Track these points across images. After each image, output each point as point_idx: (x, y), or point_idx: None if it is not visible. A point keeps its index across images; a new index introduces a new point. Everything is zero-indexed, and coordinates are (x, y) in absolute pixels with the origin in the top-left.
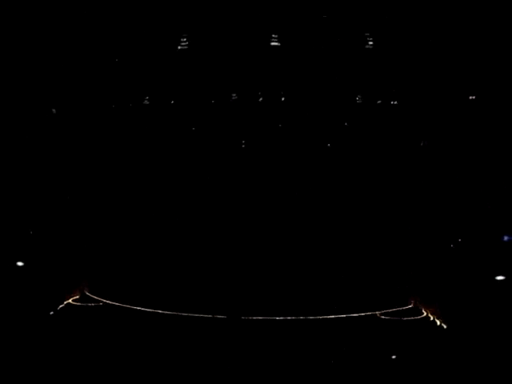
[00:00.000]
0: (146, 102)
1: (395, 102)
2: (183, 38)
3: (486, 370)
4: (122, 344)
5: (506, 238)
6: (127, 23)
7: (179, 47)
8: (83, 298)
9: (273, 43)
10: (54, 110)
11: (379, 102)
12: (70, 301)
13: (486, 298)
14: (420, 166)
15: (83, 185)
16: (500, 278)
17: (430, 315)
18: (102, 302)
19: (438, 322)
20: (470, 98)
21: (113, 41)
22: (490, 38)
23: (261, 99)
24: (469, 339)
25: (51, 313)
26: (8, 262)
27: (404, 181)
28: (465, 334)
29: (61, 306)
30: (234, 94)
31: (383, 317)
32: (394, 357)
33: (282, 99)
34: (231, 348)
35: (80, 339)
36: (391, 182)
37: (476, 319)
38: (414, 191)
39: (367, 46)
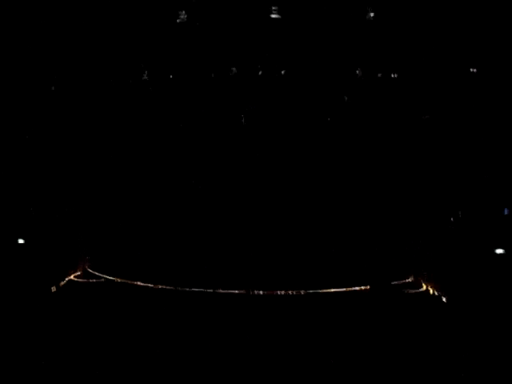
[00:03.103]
0: (145, 77)
1: (396, 75)
2: (182, 11)
3: (486, 342)
4: (123, 320)
5: (506, 211)
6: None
7: (178, 20)
8: (85, 275)
9: (273, 15)
10: (52, 88)
11: (380, 75)
12: (72, 277)
13: (485, 271)
14: (421, 139)
15: (82, 162)
16: (500, 251)
17: (429, 289)
18: (103, 277)
19: (438, 296)
20: (471, 70)
21: (109, 16)
22: (492, 8)
23: (260, 73)
24: (469, 312)
25: (53, 289)
26: (9, 240)
27: (405, 154)
28: (465, 307)
29: (62, 283)
30: (234, 68)
31: (382, 290)
32: (394, 330)
33: (282, 73)
34: (233, 322)
35: (82, 315)
36: (392, 155)
37: (476, 292)
38: (415, 164)
39: (367, 18)
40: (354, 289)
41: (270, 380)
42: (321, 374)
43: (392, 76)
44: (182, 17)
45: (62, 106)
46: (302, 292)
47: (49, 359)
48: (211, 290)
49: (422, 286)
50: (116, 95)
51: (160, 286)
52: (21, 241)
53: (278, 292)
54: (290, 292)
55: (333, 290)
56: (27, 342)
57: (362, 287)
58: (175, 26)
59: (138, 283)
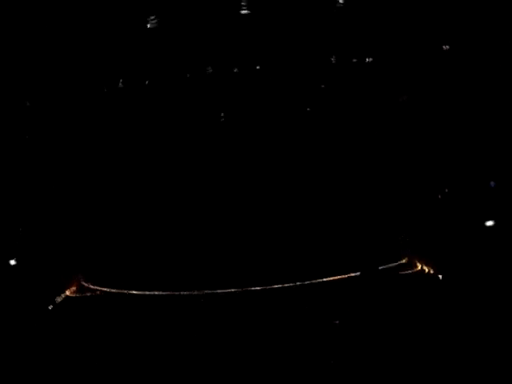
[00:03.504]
0: (121, 85)
1: (370, 59)
2: (151, 16)
3: (483, 320)
4: (122, 330)
5: (492, 185)
6: (94, 6)
7: (148, 25)
8: (80, 289)
9: (242, 11)
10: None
11: (354, 60)
12: (68, 293)
13: (477, 245)
14: (402, 120)
15: (71, 172)
16: (489, 223)
17: (424, 268)
18: (98, 290)
19: (434, 274)
20: (444, 48)
21: (83, 23)
22: None
23: (236, 70)
24: (465, 288)
25: (50, 307)
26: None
27: (387, 138)
28: (460, 282)
29: (59, 300)
30: (209, 67)
31: (378, 274)
32: (391, 312)
33: (257, 67)
34: (232, 321)
35: (81, 329)
36: (375, 140)
37: (470, 267)
38: (398, 146)
39: (337, 5)
40: (348, 275)
41: (275, 375)
42: (322, 363)
43: (366, 60)
44: (152, 21)
45: (42, 120)
46: (298, 283)
47: (52, 376)
48: (208, 291)
49: (416, 266)
50: (93, 104)
51: (156, 293)
52: (12, 262)
53: (274, 286)
54: (285, 285)
55: (327, 279)
56: (30, 360)
57: (357, 273)
58: (146, 31)
59: (133, 292)
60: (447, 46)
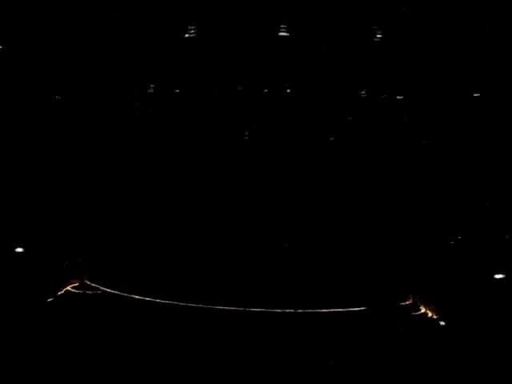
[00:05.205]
0: (151, 90)
1: (401, 97)
2: (191, 25)
3: (484, 367)
4: (118, 333)
5: (508, 237)
6: (133, 11)
7: (187, 35)
8: (82, 286)
9: (281, 33)
10: (58, 97)
11: (384, 96)
12: (69, 288)
13: (484, 296)
14: (421, 163)
15: (81, 170)
16: (499, 276)
17: (428, 312)
18: (100, 289)
19: (436, 319)
20: (475, 95)
21: (118, 28)
22: (493, 36)
23: (266, 90)
24: (467, 337)
25: (50, 299)
26: (7, 248)
27: (405, 177)
28: (463, 331)
29: (59, 293)
30: (240, 85)
31: (380, 312)
32: (390, 352)
33: (288, 91)
34: (230, 339)
35: (76, 326)
36: (392, 177)
37: (474, 317)
38: (415, 188)
39: (375, 39)
40: (351, 309)
41: None
42: None
43: (397, 98)
44: (191, 32)
45: (63, 120)
46: (300, 311)
47: (42, 368)
48: (209, 306)
49: (420, 309)
50: (122, 106)
51: (157, 300)
52: (19, 249)
53: (275, 310)
54: (286, 310)
55: (330, 310)
56: (21, 350)
57: (360, 308)
58: (184, 40)
59: (135, 296)
60: (478, 94)
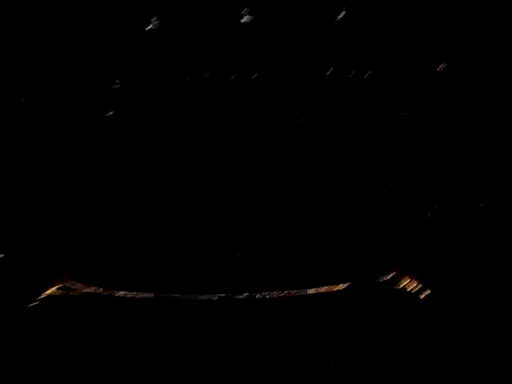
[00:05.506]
0: (117, 85)
1: (369, 73)
2: (153, 17)
3: (472, 334)
4: (104, 330)
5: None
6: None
7: (148, 27)
8: (65, 287)
9: (243, 20)
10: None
11: (351, 74)
12: (52, 290)
13: (466, 261)
14: (400, 135)
15: (64, 169)
16: (477, 238)
17: (413, 281)
18: (84, 289)
19: (422, 288)
20: (440, 66)
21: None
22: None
23: (233, 77)
24: (454, 303)
25: (32, 304)
26: None
27: (382, 151)
28: (448, 298)
29: (41, 297)
30: (207, 73)
31: (363, 288)
32: (380, 326)
33: (254, 76)
34: (219, 327)
35: (62, 328)
36: (368, 153)
37: (459, 282)
38: (393, 161)
39: (338, 18)
40: (335, 288)
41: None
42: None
43: (365, 75)
44: (153, 23)
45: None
46: (285, 293)
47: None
48: (193, 296)
49: (405, 280)
50: (91, 104)
51: (140, 295)
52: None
53: (259, 295)
54: (272, 294)
55: (313, 291)
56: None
57: (344, 285)
58: (146, 33)
59: (120, 292)
60: (445, 64)
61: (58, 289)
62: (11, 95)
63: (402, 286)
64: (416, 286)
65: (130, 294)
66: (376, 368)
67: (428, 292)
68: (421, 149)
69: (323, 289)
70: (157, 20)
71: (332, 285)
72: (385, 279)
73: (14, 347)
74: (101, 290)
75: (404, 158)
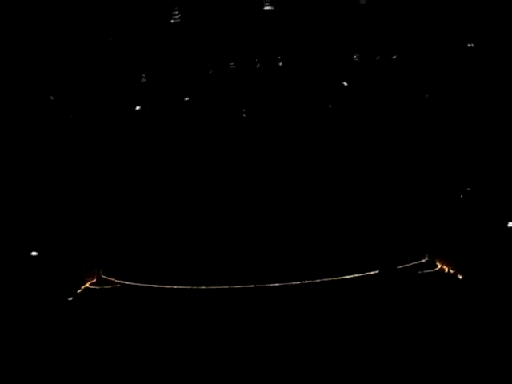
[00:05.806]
0: (144, 79)
1: (395, 57)
2: (175, 11)
3: (503, 320)
4: (140, 323)
5: None
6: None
7: (172, 21)
8: (100, 281)
9: (266, 7)
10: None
11: (378, 57)
12: (88, 285)
13: (499, 246)
14: (426, 118)
15: (89, 167)
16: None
17: (444, 267)
18: (118, 283)
19: (454, 274)
20: (468, 45)
21: (106, 21)
22: None
23: (258, 65)
24: (485, 289)
25: (70, 298)
26: (22, 253)
27: (412, 135)
28: (481, 284)
29: (79, 291)
30: (232, 63)
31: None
32: (410, 311)
33: (280, 64)
34: (252, 317)
35: (99, 321)
36: (398, 137)
37: (490, 268)
38: (421, 146)
39: (361, 1)
40: (368, 274)
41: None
42: (340, 357)
43: (391, 58)
44: (175, 17)
45: (65, 119)
46: (318, 281)
47: (67, 367)
48: (227, 287)
49: (436, 266)
50: (115, 98)
51: (175, 287)
52: (34, 253)
53: (293, 283)
54: (305, 281)
55: (347, 277)
56: (48, 351)
57: (376, 271)
58: (170, 26)
59: (153, 285)
60: (472, 44)
61: (94, 282)
62: (40, 93)
63: (434, 270)
64: (448, 270)
65: (161, 287)
66: (412, 350)
67: (460, 277)
68: (451, 135)
69: (356, 275)
70: (179, 13)
71: (366, 269)
72: (417, 263)
73: (61, 337)
74: (132, 283)
75: (437, 144)
